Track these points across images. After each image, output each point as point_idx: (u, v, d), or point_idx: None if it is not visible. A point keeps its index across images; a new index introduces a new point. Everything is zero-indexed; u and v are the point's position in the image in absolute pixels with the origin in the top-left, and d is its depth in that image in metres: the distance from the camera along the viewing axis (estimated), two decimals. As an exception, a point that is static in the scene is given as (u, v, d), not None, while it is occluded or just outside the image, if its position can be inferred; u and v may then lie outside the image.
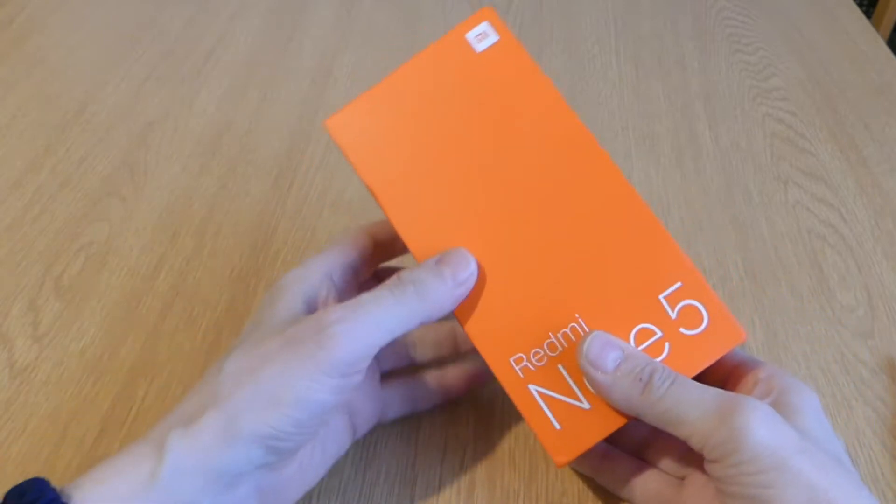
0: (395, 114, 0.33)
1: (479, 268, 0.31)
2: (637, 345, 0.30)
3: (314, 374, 0.26)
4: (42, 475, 0.26)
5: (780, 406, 0.28)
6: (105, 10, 0.68)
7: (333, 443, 0.32)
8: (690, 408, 0.27)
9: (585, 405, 0.30)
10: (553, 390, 0.31)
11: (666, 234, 0.31)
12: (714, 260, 0.45)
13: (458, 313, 0.31)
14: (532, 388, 0.31)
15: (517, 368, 0.31)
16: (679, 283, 0.31)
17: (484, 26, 0.33)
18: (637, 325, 0.31)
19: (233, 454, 0.26)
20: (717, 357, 0.30)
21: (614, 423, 0.30)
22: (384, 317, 0.28)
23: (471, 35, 0.33)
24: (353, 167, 0.33)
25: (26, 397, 0.38)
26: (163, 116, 0.56)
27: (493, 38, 0.33)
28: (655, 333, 0.31)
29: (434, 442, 0.36)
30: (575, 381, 0.31)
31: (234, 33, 0.65)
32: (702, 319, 0.31)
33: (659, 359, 0.30)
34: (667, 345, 0.30)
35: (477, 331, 0.31)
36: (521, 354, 0.31)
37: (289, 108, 0.57)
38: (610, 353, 0.29)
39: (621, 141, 0.54)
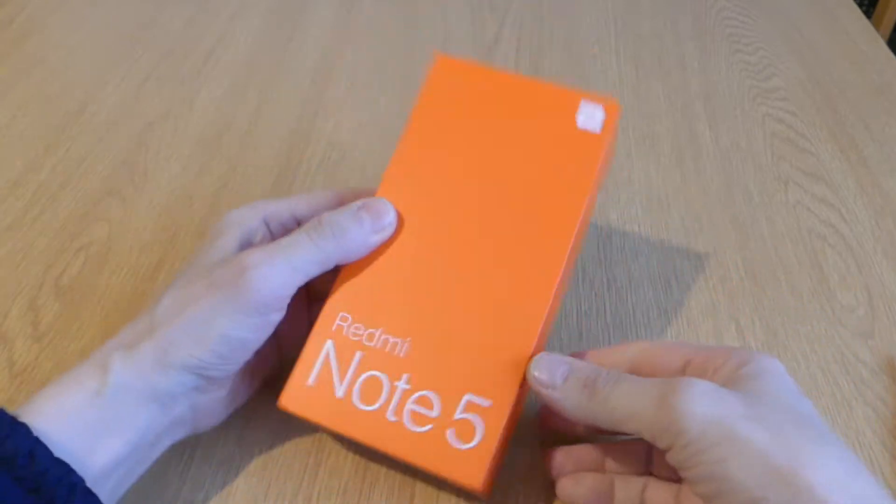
0: (466, 105, 0.35)
1: (397, 228, 0.33)
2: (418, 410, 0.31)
3: (234, 315, 0.29)
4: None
5: (734, 380, 0.28)
6: (105, 10, 0.68)
7: (261, 364, 0.34)
8: (634, 402, 0.28)
9: (338, 394, 0.32)
10: (335, 361, 0.32)
11: (528, 352, 0.31)
12: (714, 260, 0.45)
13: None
14: (328, 343, 0.32)
15: (336, 321, 0.33)
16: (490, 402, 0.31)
17: (599, 111, 0.33)
18: (453, 395, 0.31)
19: (167, 379, 0.29)
20: (448, 475, 0.30)
21: (338, 425, 0.32)
22: (300, 259, 0.31)
23: (584, 109, 0.33)
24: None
25: (26, 397, 0.38)
26: (163, 116, 0.56)
27: (595, 126, 0.33)
28: (434, 406, 0.31)
29: (434, 442, 0.36)
30: (351, 375, 0.32)
31: (234, 33, 0.65)
32: (472, 439, 0.31)
33: (425, 428, 0.31)
34: (445, 434, 0.31)
35: (346, 274, 0.33)
36: (351, 317, 0.33)
37: (289, 108, 0.57)
38: (558, 368, 0.30)
39: (621, 141, 0.54)
